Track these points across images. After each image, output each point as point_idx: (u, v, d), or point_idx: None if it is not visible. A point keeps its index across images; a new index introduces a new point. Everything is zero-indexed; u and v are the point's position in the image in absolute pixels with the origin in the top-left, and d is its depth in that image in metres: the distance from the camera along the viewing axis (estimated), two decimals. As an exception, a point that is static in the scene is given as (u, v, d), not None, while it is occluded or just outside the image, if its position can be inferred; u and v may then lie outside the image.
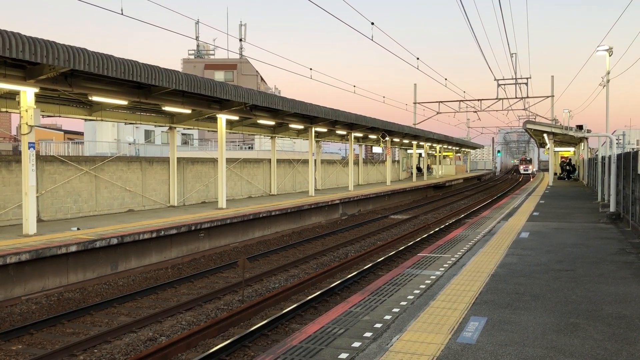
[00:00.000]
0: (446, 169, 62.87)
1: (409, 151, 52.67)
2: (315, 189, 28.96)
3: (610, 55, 27.43)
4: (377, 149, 51.39)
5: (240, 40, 44.35)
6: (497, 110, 41.53)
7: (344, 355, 5.03)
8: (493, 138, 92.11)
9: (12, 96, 14.17)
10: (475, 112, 40.75)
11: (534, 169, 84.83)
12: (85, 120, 18.94)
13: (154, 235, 13.99)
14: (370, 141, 40.06)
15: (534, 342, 5.35)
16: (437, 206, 32.46)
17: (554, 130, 32.04)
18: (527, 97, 37.41)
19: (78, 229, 13.89)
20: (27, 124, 12.45)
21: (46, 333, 9.21)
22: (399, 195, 35.02)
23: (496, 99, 36.76)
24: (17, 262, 10.70)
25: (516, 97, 36.89)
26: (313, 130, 25.91)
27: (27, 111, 12.47)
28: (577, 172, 49.09)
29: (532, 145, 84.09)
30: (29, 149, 12.55)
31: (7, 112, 15.40)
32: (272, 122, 23.94)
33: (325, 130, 28.63)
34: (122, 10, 13.13)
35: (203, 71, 62.24)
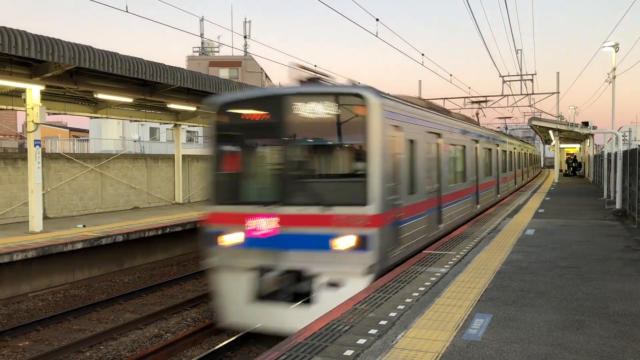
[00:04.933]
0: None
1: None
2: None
3: (616, 52, 27.23)
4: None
5: (245, 37, 44.31)
6: (502, 107, 41.39)
7: (349, 352, 5.04)
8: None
9: (18, 94, 14.22)
10: (481, 108, 40.64)
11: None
12: (91, 117, 19.00)
13: (160, 232, 14.03)
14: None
15: (540, 339, 5.34)
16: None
17: (559, 126, 31.89)
18: (533, 93, 37.14)
19: (84, 226, 13.94)
20: (32, 121, 12.50)
21: (52, 330, 9.27)
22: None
23: (501, 95, 36.57)
24: (24, 259, 10.76)
25: (521, 94, 36.64)
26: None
27: (32, 109, 12.52)
28: (582, 168, 48.88)
29: (537, 141, 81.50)
30: (34, 146, 12.60)
31: (12, 109, 15.46)
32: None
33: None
34: (127, 7, 13.13)
35: (208, 68, 62.24)
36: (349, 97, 8.02)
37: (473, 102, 34.02)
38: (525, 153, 36.85)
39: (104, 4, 11.88)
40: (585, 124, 29.91)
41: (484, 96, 38.41)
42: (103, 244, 12.43)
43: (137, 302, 10.91)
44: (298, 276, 7.80)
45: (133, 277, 12.91)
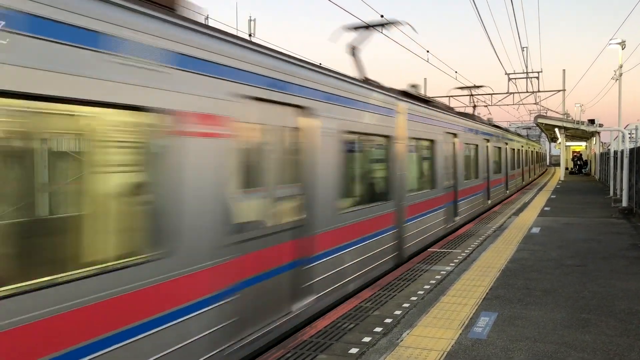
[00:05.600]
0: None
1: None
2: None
3: (623, 49, 27.12)
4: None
5: (250, 35, 44.28)
6: (508, 105, 41.20)
7: (354, 350, 5.04)
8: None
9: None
10: (486, 106, 40.45)
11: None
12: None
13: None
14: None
15: (545, 337, 5.33)
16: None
17: (565, 124, 31.74)
18: (538, 91, 36.99)
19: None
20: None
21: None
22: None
23: (507, 93, 36.42)
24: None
25: (527, 91, 36.50)
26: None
27: None
28: (588, 166, 48.68)
29: (543, 139, 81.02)
30: None
31: None
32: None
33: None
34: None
35: (213, 66, 62.19)
36: None
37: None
38: (529, 150, 36.31)
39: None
40: (592, 121, 29.75)
41: (489, 94, 38.27)
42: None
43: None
44: None
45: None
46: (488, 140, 18.27)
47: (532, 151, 39.53)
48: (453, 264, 8.84)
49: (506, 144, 23.08)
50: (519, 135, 34.36)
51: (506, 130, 26.99)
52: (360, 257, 7.70)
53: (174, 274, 4.10)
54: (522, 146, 30.41)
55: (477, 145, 16.41)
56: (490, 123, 22.40)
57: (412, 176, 10.46)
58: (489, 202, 18.56)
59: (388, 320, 5.90)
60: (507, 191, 23.07)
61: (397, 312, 6.20)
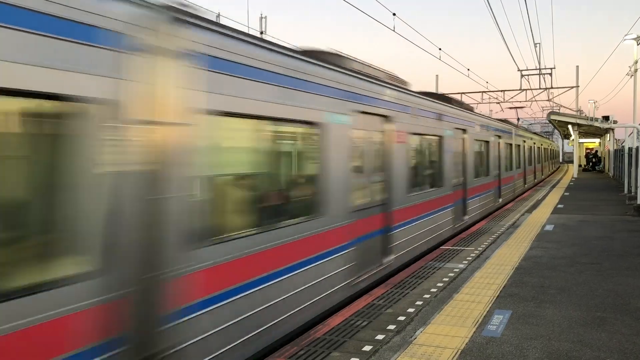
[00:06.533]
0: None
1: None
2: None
3: (638, 44, 26.80)
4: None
5: (261, 32, 44.14)
6: (520, 102, 40.90)
7: (367, 348, 5.04)
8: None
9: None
10: (498, 103, 40.14)
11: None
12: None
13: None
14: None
15: (560, 335, 5.29)
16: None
17: (578, 121, 31.43)
18: (551, 87, 36.65)
19: None
20: None
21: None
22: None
23: (520, 89, 36.14)
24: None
25: (540, 88, 36.20)
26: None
27: None
28: (602, 163, 48.21)
29: (556, 136, 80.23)
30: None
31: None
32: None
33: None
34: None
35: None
36: None
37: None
38: (540, 147, 35.93)
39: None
40: (606, 118, 29.44)
41: (501, 90, 37.98)
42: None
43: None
44: None
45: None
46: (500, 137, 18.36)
47: (545, 148, 39.26)
48: (466, 262, 8.80)
49: (524, 141, 23.95)
50: (535, 133, 34.14)
51: (523, 128, 27.05)
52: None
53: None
54: (535, 144, 30.71)
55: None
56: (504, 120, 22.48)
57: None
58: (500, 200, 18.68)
59: (401, 318, 5.89)
60: (525, 185, 25.31)
61: (410, 310, 6.19)
